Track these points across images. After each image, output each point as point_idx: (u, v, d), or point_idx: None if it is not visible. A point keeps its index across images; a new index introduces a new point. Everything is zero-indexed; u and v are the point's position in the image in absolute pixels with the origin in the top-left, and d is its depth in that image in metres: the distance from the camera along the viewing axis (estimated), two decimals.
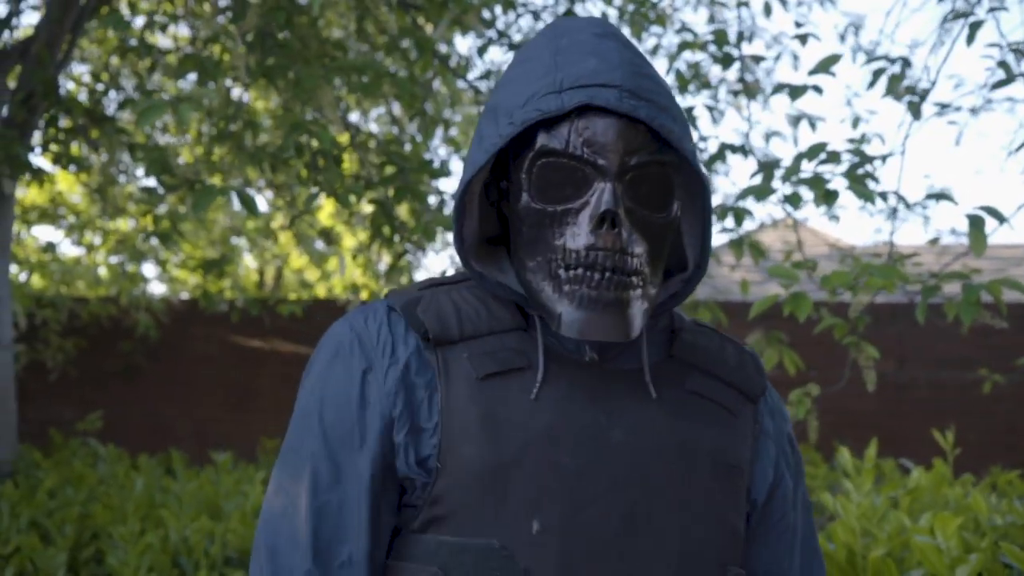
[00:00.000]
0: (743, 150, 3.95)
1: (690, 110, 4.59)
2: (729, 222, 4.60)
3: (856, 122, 4.97)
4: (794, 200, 2.81)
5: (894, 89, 3.40)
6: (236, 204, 7.25)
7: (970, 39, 3.03)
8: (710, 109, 4.72)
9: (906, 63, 3.46)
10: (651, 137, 1.05)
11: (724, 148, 4.04)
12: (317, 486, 1.09)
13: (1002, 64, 3.02)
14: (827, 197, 2.80)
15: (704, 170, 1.07)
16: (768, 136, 5.07)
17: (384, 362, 1.11)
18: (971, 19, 3.07)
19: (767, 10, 4.57)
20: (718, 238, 4.68)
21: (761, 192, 2.87)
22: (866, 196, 2.84)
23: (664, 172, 1.07)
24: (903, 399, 6.65)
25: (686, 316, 1.27)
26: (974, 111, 4.50)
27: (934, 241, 4.90)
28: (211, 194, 2.84)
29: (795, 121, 4.68)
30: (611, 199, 1.03)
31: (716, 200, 5.11)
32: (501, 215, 1.18)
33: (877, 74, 3.45)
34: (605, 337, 1.04)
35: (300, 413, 1.14)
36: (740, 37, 4.99)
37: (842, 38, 5.57)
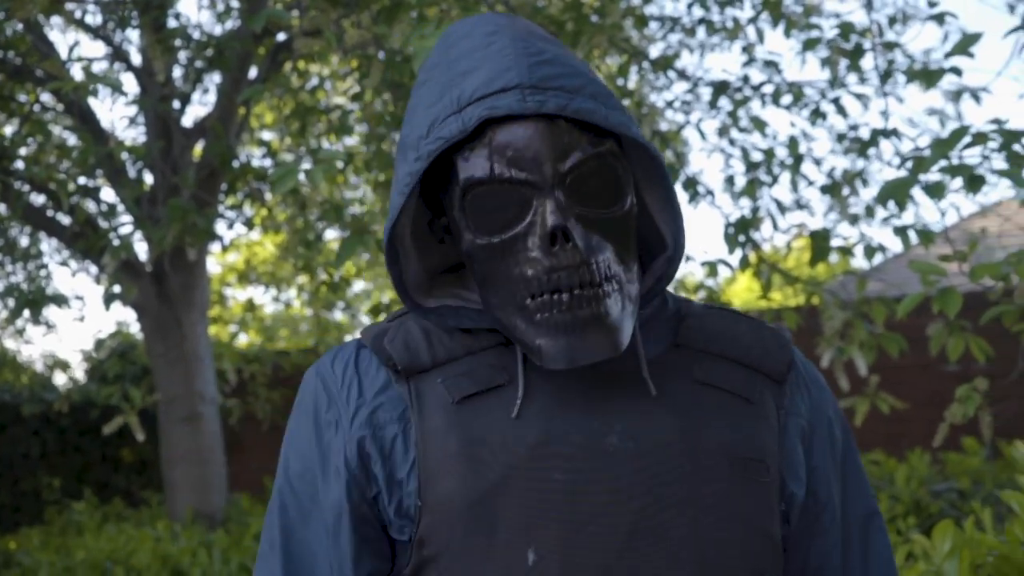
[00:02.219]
0: (894, 133, 3.75)
1: (836, 100, 4.44)
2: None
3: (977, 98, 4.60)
4: (937, 190, 2.65)
5: None
6: None
7: None
8: (858, 96, 4.54)
9: None
10: (578, 129, 0.96)
11: (876, 134, 3.86)
12: (290, 530, 1.06)
13: None
14: (972, 184, 2.62)
15: (649, 142, 1.00)
16: (930, 113, 4.76)
17: (350, 408, 1.03)
18: None
19: None
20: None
21: (902, 188, 2.69)
22: (1018, 181, 2.65)
23: (604, 164, 0.97)
24: None
25: (695, 301, 1.16)
26: None
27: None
28: (353, 244, 2.98)
29: (955, 96, 4.39)
30: (556, 214, 0.94)
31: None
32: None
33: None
34: (595, 358, 0.95)
35: (280, 457, 1.11)
36: (892, 21, 4.78)
37: (1011, 8, 5.19)
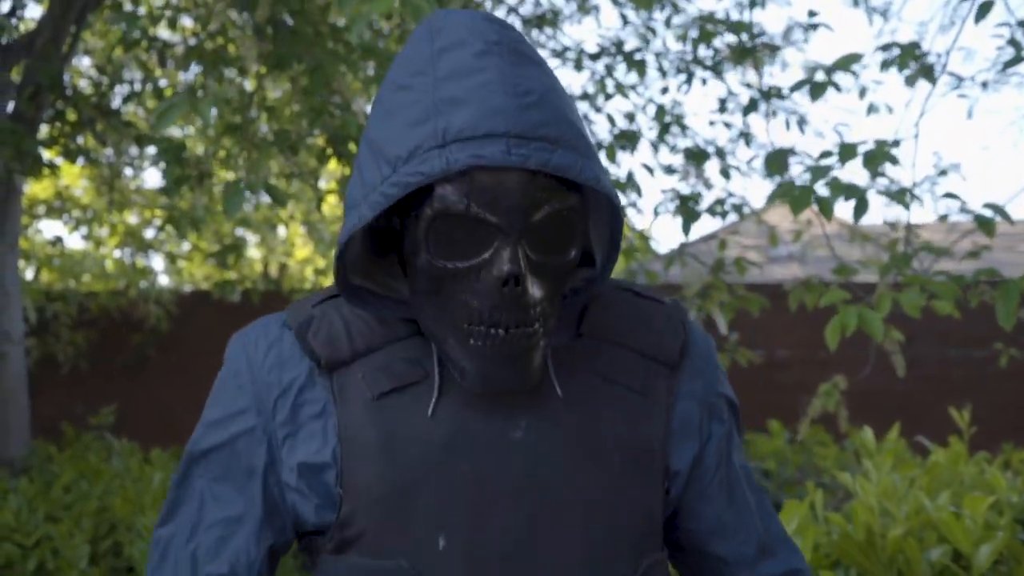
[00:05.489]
0: (777, 93, 3.94)
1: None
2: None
3: (863, 92, 4.92)
4: (825, 209, 2.75)
5: (906, 63, 3.38)
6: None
7: (978, 18, 3.01)
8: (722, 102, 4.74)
9: (916, 47, 3.43)
10: (554, 180, 1.01)
11: (754, 101, 4.06)
12: (203, 495, 1.13)
13: (1012, 42, 3.00)
14: (859, 209, 2.76)
15: (614, 195, 1.05)
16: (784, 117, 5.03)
17: (271, 394, 1.11)
18: None
19: None
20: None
21: (800, 199, 2.79)
22: (901, 201, 2.82)
23: (566, 218, 1.02)
24: (912, 377, 6.65)
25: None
26: (985, 85, 4.49)
27: (943, 218, 4.89)
28: (239, 192, 2.83)
29: (814, 93, 4.67)
30: (514, 262, 0.98)
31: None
32: (390, 231, 1.12)
33: (887, 50, 3.44)
34: (509, 387, 1.03)
35: (201, 422, 1.16)
36: (752, 3, 4.96)
37: (855, 2, 5.47)
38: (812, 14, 3.74)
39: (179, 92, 4.12)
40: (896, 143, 2.98)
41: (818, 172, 2.71)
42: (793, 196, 2.65)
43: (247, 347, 1.13)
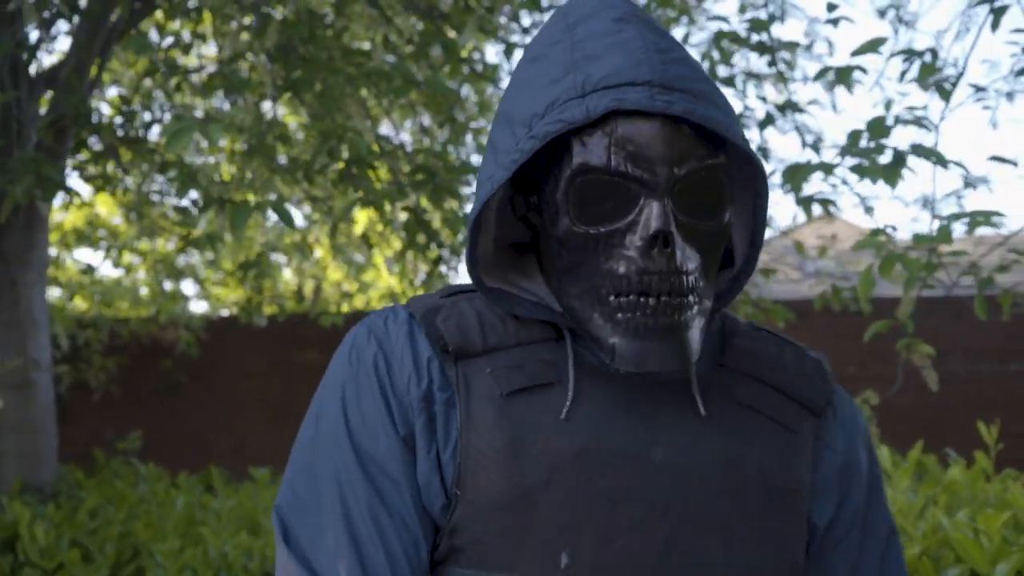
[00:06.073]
0: (795, 107, 3.91)
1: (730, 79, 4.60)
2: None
3: (888, 104, 4.89)
4: (866, 171, 2.72)
5: (925, 78, 3.34)
6: (272, 219, 7.31)
7: (995, 25, 2.97)
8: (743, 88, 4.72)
9: (934, 54, 3.39)
10: (696, 136, 0.93)
11: (771, 115, 4.04)
12: (348, 482, 1.00)
13: None
14: (892, 171, 2.72)
15: (758, 157, 0.97)
16: (809, 103, 4.99)
17: (406, 368, 1.01)
18: (996, 4, 3.01)
19: None
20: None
21: (819, 170, 2.78)
22: (928, 154, 2.76)
23: (714, 175, 0.95)
24: (943, 393, 6.55)
25: (740, 319, 1.14)
26: (1009, 96, 4.42)
27: (971, 230, 4.82)
28: (246, 211, 2.86)
29: (831, 86, 4.60)
30: (662, 218, 0.92)
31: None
32: (529, 223, 1.06)
33: (908, 60, 3.40)
34: (664, 367, 0.94)
35: (321, 410, 1.04)
36: (771, 19, 4.94)
37: (881, 14, 5.43)
38: (832, 7, 3.68)
39: (189, 117, 4.18)
40: (915, 150, 2.93)
41: (848, 147, 2.69)
42: (814, 168, 2.63)
43: (374, 328, 1.05)
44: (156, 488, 5.21)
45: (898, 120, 3.93)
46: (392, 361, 1.02)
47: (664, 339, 0.94)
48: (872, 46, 2.90)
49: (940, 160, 2.74)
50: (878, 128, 2.77)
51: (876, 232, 2.79)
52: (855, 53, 2.95)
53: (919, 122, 2.74)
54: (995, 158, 2.77)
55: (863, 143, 2.80)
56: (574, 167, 0.94)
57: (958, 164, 2.91)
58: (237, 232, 2.73)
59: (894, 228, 2.94)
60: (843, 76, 3.08)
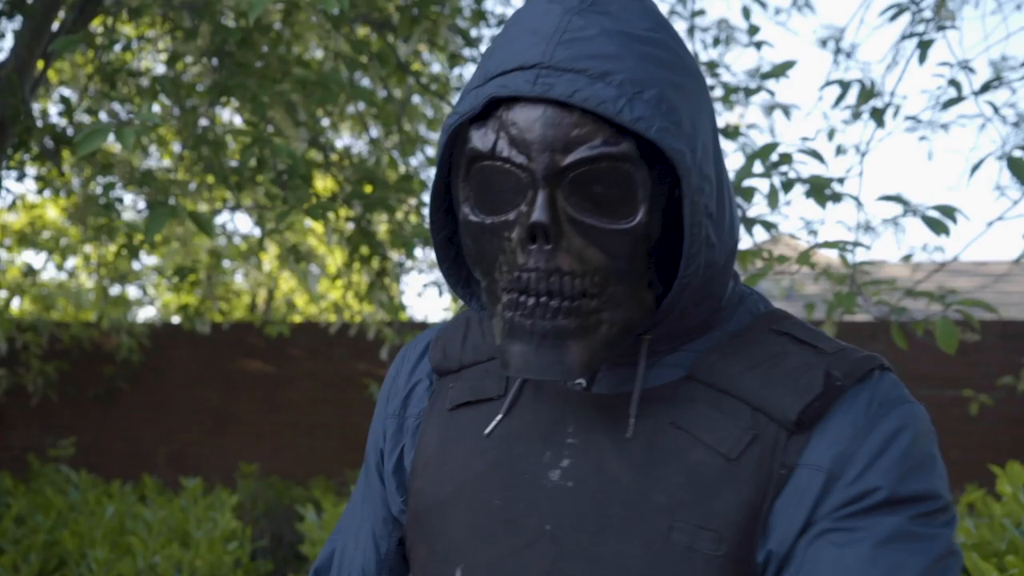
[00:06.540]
0: (735, 132, 3.95)
1: None
2: None
3: (832, 133, 4.93)
4: (772, 199, 2.77)
5: (859, 106, 3.40)
6: (225, 225, 7.24)
7: (922, 58, 3.02)
8: None
9: (872, 84, 3.45)
10: (597, 122, 0.84)
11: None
12: (359, 495, 1.16)
13: (952, 82, 3.01)
14: (773, 196, 2.78)
15: (675, 145, 0.85)
16: (748, 127, 5.06)
17: (402, 390, 1.11)
18: (924, 37, 3.07)
19: (745, 13, 4.51)
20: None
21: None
22: (819, 198, 2.81)
23: (618, 167, 0.84)
24: None
25: (779, 312, 0.99)
26: (946, 127, 4.49)
27: (907, 257, 4.89)
28: (163, 216, 2.82)
29: (768, 110, 4.64)
30: (542, 211, 0.84)
31: None
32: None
33: (844, 88, 3.45)
34: (541, 376, 0.87)
35: None
36: (716, 42, 4.97)
37: (823, 44, 5.54)
38: (754, 30, 3.69)
39: (110, 120, 4.11)
40: (841, 180, 2.97)
41: (742, 172, 2.75)
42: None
43: (397, 358, 1.14)
44: (87, 496, 5.13)
45: (800, 150, 3.97)
46: (398, 382, 1.11)
47: (542, 345, 0.87)
48: (781, 69, 2.99)
49: (819, 191, 2.80)
50: (766, 154, 2.84)
51: (804, 255, 2.83)
52: (766, 76, 3.04)
53: (814, 153, 2.80)
54: (885, 197, 2.82)
55: (756, 168, 2.86)
56: (467, 153, 0.90)
57: (834, 198, 2.95)
58: (150, 236, 2.69)
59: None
60: (749, 93, 3.14)
